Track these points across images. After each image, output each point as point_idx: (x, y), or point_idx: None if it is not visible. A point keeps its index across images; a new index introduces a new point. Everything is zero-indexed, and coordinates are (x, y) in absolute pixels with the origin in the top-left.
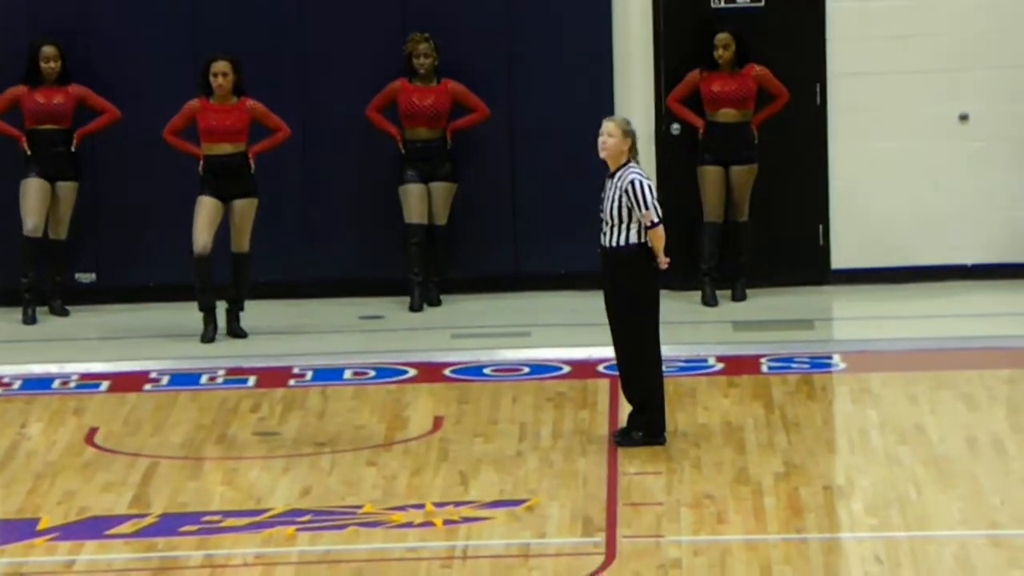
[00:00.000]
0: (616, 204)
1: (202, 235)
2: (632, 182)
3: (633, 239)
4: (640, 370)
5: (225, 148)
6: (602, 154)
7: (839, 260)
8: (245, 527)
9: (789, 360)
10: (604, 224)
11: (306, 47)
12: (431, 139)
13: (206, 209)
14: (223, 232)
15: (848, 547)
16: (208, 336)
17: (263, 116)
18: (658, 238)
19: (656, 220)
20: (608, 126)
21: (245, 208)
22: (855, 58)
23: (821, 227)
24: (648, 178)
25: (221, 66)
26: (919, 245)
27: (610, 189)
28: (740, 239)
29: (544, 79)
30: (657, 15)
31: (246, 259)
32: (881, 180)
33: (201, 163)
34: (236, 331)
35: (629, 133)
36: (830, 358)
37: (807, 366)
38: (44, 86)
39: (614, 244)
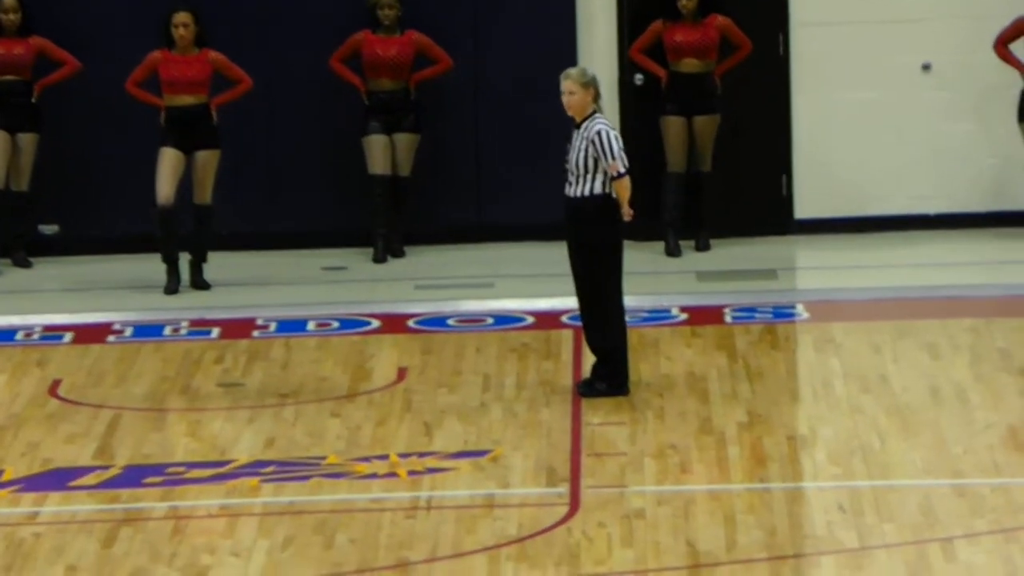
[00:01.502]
0: (582, 155)
1: (164, 186)
2: (599, 132)
3: (598, 190)
4: (604, 321)
5: (187, 99)
6: (569, 111)
7: (802, 210)
8: (209, 478)
9: (752, 310)
10: (569, 175)
11: None
12: (395, 90)
13: (168, 160)
14: (186, 184)
15: (811, 496)
16: (171, 288)
17: (225, 67)
18: (624, 188)
19: (622, 170)
20: (566, 84)
21: (207, 159)
22: (817, 8)
23: (784, 177)
24: (614, 129)
25: (182, 17)
26: (882, 195)
27: (576, 140)
28: (703, 189)
29: (507, 30)
30: None
31: (208, 211)
32: (844, 130)
33: (163, 114)
34: (199, 283)
35: (589, 84)
36: (793, 308)
37: (770, 316)
38: (4, 37)
39: (578, 195)
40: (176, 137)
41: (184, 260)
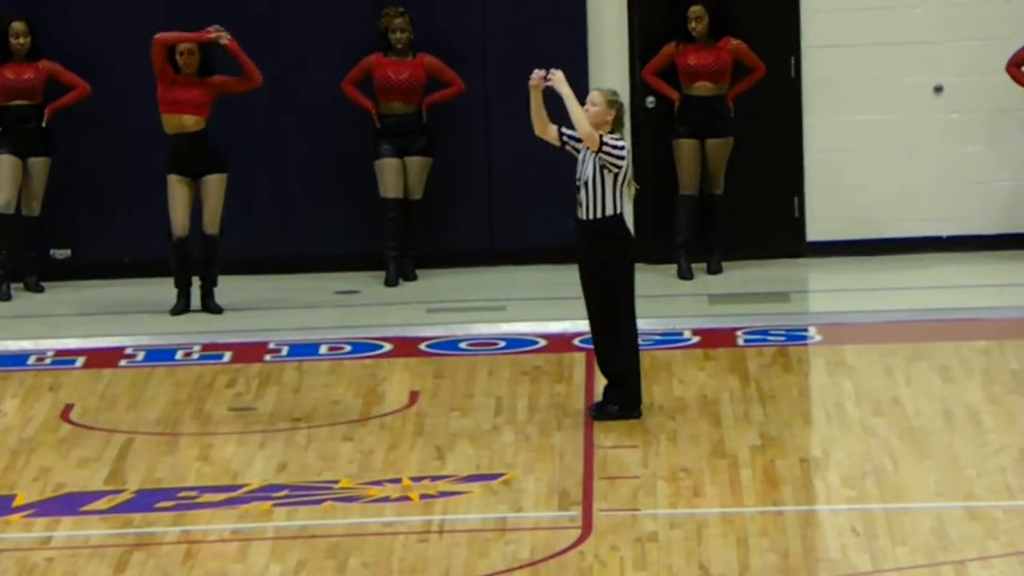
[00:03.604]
0: (593, 172)
1: (179, 217)
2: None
3: (609, 211)
4: (616, 344)
5: (185, 123)
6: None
7: (814, 232)
8: (221, 503)
9: (765, 333)
10: (579, 195)
11: (280, 21)
12: (406, 113)
13: (178, 191)
14: (196, 208)
15: (825, 519)
16: (179, 309)
17: (227, 86)
18: (583, 126)
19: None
20: (593, 95)
21: (215, 184)
22: (830, 30)
23: (796, 199)
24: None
25: (188, 45)
26: (894, 217)
27: (588, 158)
28: (715, 212)
29: (519, 53)
30: None
31: (216, 241)
32: (856, 152)
33: (166, 140)
34: (211, 307)
35: (613, 104)
36: (806, 330)
37: (783, 339)
38: (14, 62)
39: (590, 216)
40: (182, 165)
41: (195, 285)
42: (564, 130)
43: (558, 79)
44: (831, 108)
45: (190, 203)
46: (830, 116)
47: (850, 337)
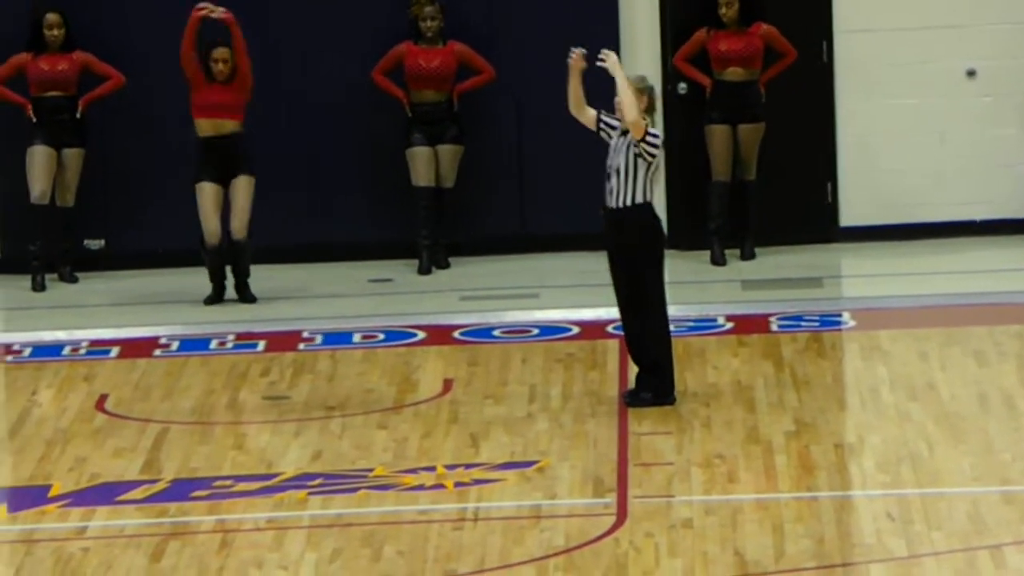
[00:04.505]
0: (625, 160)
1: (211, 224)
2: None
3: (639, 198)
4: (648, 331)
5: (221, 127)
6: (617, 112)
7: (848, 218)
8: (256, 492)
9: (798, 318)
10: (610, 183)
11: (311, 10)
12: (437, 101)
13: (209, 197)
14: (225, 210)
15: (860, 505)
16: (212, 299)
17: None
18: (632, 109)
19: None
20: (618, 79)
21: (244, 187)
22: (861, 15)
23: (829, 185)
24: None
25: (222, 52)
26: (928, 202)
27: (621, 146)
28: (748, 198)
29: (550, 39)
30: None
31: (246, 245)
32: (889, 137)
33: (198, 144)
34: (246, 297)
35: (644, 90)
36: (840, 316)
37: (817, 324)
38: (48, 53)
39: (620, 205)
40: (211, 169)
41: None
42: (603, 116)
43: (612, 62)
44: (863, 93)
45: (221, 209)
46: (862, 101)
47: (884, 322)
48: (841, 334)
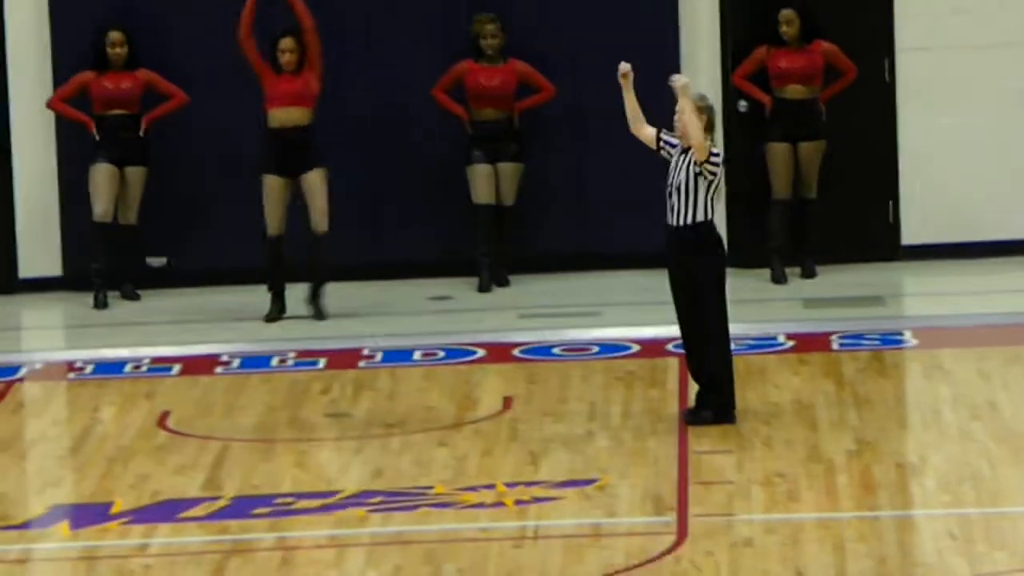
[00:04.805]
0: (686, 178)
1: (274, 217)
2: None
3: (700, 216)
4: (708, 349)
5: (291, 116)
6: (676, 131)
7: (909, 236)
8: (317, 509)
9: (860, 337)
10: (671, 200)
11: (372, 29)
12: (498, 119)
13: (275, 190)
14: (295, 212)
15: (922, 524)
16: (272, 316)
17: (315, 76)
18: (701, 142)
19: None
20: (682, 101)
21: (316, 180)
22: (923, 33)
23: (891, 203)
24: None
25: (287, 43)
26: (989, 220)
27: (682, 164)
28: (809, 216)
29: (610, 57)
30: None
31: (325, 239)
32: (950, 155)
33: (265, 135)
34: (319, 309)
35: (703, 109)
36: (901, 334)
37: (878, 343)
38: (112, 71)
39: (680, 223)
40: (279, 162)
41: (290, 291)
42: (664, 135)
43: (681, 84)
44: (925, 110)
45: (287, 203)
46: (924, 118)
47: (946, 341)
48: (902, 353)
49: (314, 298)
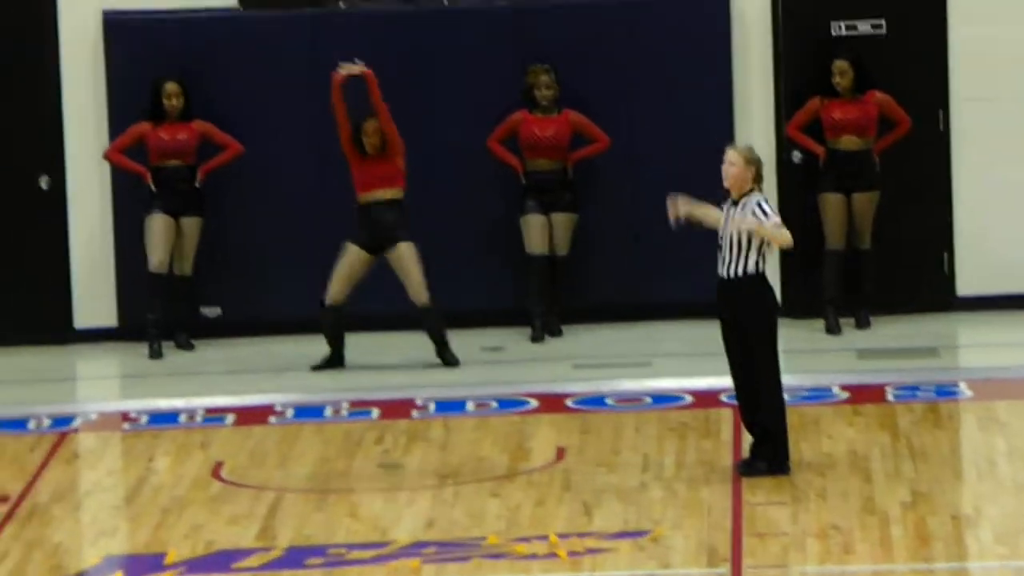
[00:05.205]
0: (736, 231)
1: (338, 285)
2: (758, 203)
3: (751, 268)
4: (761, 400)
5: (381, 196)
6: (726, 182)
7: (964, 287)
8: (370, 559)
9: (915, 388)
10: (722, 252)
11: (427, 79)
12: (552, 170)
13: (351, 261)
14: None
15: None
16: (322, 365)
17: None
18: (785, 239)
19: (779, 220)
20: (731, 154)
21: (408, 253)
22: (978, 83)
23: (945, 254)
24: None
25: (371, 125)
26: None
27: (732, 216)
28: (863, 267)
29: (664, 108)
30: (777, 42)
31: (431, 310)
32: (1005, 206)
33: (362, 212)
34: (448, 359)
35: (752, 161)
36: (956, 386)
37: (933, 394)
38: (168, 122)
39: (732, 274)
40: (367, 239)
41: (364, 344)
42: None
43: (748, 224)
44: (980, 161)
45: (360, 278)
46: (979, 170)
47: (1002, 393)
48: (958, 404)
49: (441, 353)
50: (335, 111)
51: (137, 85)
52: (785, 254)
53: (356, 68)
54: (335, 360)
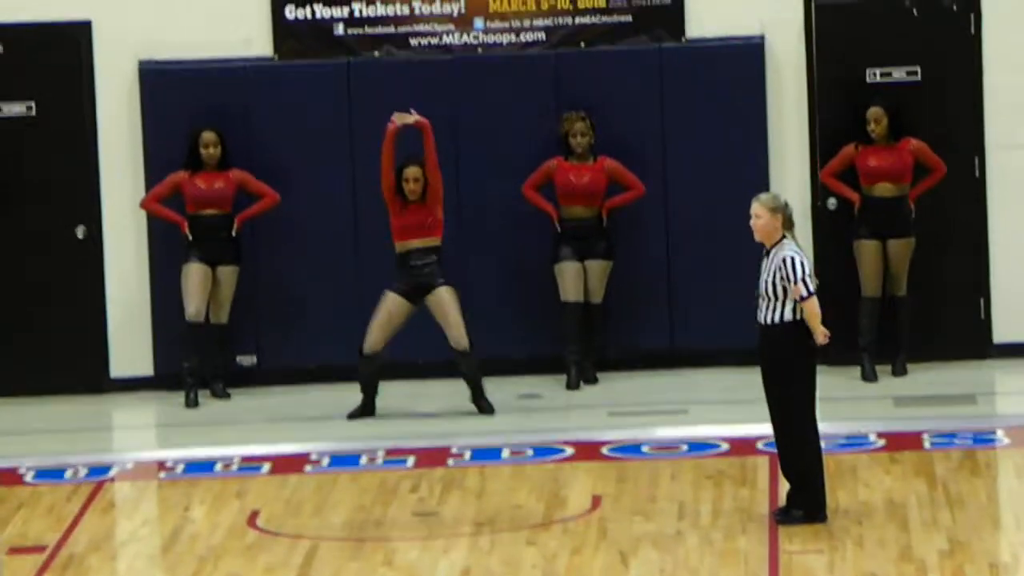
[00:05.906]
0: (771, 280)
1: (377, 333)
2: (784, 259)
3: (788, 316)
4: (798, 447)
5: (420, 244)
6: (756, 236)
7: (1001, 334)
8: None
9: (952, 436)
10: (760, 300)
11: (461, 126)
12: (587, 217)
13: (391, 308)
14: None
15: None
16: (355, 413)
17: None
18: (811, 313)
19: (805, 294)
20: (755, 207)
21: (447, 298)
22: (1014, 130)
23: (982, 301)
24: (801, 253)
25: (413, 171)
26: None
27: (766, 265)
28: (899, 314)
29: (699, 155)
30: (812, 90)
31: (468, 354)
32: None
33: (400, 260)
34: (484, 407)
35: (778, 209)
36: (993, 433)
37: (970, 442)
38: (204, 171)
39: (769, 321)
40: (405, 286)
41: (399, 392)
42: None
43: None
44: (1016, 207)
45: (399, 326)
46: (1015, 215)
47: None
48: (995, 452)
49: (476, 399)
50: (383, 159)
51: (173, 134)
52: (822, 300)
53: (411, 118)
54: (368, 408)
